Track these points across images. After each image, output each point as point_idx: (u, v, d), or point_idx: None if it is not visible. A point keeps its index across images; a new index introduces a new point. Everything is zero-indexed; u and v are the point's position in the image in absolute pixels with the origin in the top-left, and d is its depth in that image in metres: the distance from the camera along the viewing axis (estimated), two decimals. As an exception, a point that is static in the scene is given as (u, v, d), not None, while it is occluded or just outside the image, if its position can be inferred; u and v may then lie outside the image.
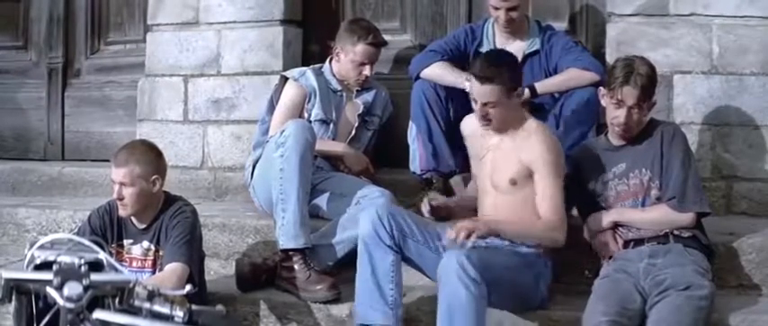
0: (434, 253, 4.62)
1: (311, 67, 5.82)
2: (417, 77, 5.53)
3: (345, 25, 5.84)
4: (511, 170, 4.71)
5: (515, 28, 5.54)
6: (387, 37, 5.96)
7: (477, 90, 4.68)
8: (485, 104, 4.67)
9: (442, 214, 4.93)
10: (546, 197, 4.64)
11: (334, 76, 5.75)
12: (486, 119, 4.72)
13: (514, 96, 4.73)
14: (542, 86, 5.40)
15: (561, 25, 6.03)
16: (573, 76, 5.36)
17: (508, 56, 4.92)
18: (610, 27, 5.76)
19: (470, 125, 4.99)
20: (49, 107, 7.56)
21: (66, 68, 7.55)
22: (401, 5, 6.45)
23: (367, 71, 5.71)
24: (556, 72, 5.47)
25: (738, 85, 5.58)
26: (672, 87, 5.61)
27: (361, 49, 5.68)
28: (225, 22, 6.43)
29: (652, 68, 4.74)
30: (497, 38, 5.60)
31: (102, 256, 2.88)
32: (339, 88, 5.74)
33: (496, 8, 5.48)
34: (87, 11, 7.44)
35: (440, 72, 5.48)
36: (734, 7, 5.58)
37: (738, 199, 5.59)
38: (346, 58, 5.71)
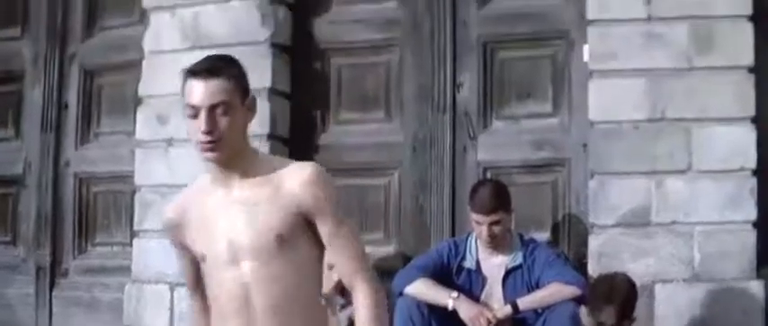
0: None
1: (296, 280, 5.84)
2: (401, 294, 5.55)
3: None
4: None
5: (498, 242, 5.58)
6: (370, 248, 5.95)
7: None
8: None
9: None
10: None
11: (318, 289, 5.77)
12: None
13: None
14: (524, 302, 5.43)
15: (544, 235, 6.09)
16: (555, 290, 5.38)
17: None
18: (592, 239, 5.81)
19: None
20: (38, 305, 7.51)
21: (54, 267, 7.52)
22: (385, 218, 6.52)
23: (335, 276, 5.71)
24: (538, 286, 5.48)
25: (720, 291, 5.61)
26: (653, 297, 5.63)
27: None
28: (210, 232, 6.44)
29: (632, 286, 4.81)
30: (480, 252, 5.64)
31: None
32: (321, 301, 5.74)
33: (479, 223, 5.55)
34: (74, 211, 7.46)
35: (423, 289, 5.50)
36: (716, 213, 5.66)
37: None
38: None
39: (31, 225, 7.62)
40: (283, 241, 3.40)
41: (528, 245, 5.65)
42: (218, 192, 3.45)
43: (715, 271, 5.64)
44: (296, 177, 3.42)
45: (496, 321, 5.41)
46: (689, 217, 5.69)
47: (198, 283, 3.57)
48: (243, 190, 3.42)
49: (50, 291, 7.51)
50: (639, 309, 4.97)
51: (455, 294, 5.47)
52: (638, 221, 5.73)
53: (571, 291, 5.35)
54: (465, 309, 5.42)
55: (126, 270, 6.88)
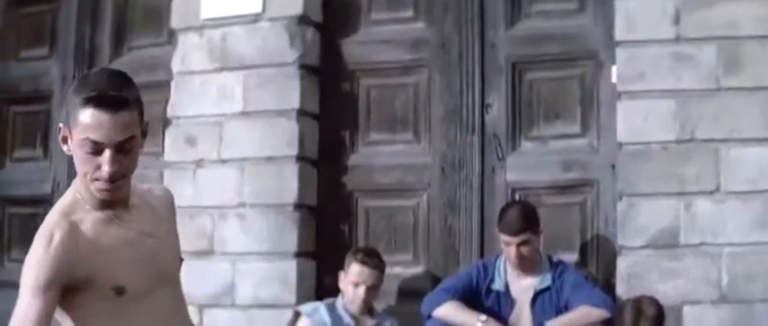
0: None
1: (324, 301, 5.86)
2: (429, 316, 5.56)
3: (349, 252, 5.96)
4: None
5: (527, 264, 5.58)
6: (398, 269, 6.04)
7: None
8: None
9: None
10: None
11: (345, 311, 5.78)
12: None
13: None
14: (553, 324, 5.43)
15: (572, 256, 6.08)
16: (584, 313, 5.37)
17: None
18: (620, 260, 5.78)
19: None
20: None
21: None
22: (414, 239, 6.50)
23: (361, 293, 5.73)
24: (566, 308, 5.48)
25: (748, 313, 5.58)
26: (681, 318, 5.60)
27: (354, 268, 5.75)
28: (239, 254, 6.47)
29: (659, 309, 4.79)
30: (509, 274, 5.64)
31: None
32: (351, 323, 5.76)
33: (507, 244, 5.55)
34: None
35: (452, 312, 5.51)
36: (743, 234, 5.62)
37: None
38: (346, 281, 5.78)
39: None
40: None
41: (557, 267, 5.65)
42: (104, 217, 3.16)
43: (743, 292, 5.60)
44: (170, 202, 3.50)
45: (526, 345, 5.42)
46: (717, 238, 5.65)
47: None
48: (133, 215, 3.23)
49: (79, 311, 7.51)
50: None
51: (483, 317, 5.46)
52: (666, 242, 5.69)
53: (599, 313, 5.34)
54: (494, 332, 5.44)
55: (155, 289, 6.85)
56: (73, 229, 3.06)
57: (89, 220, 3.11)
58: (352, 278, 5.73)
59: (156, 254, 3.24)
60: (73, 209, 3.13)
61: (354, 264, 5.75)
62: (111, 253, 3.11)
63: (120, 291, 3.09)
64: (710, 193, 5.68)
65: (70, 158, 7.19)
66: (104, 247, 3.10)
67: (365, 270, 5.75)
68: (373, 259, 5.80)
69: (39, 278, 2.98)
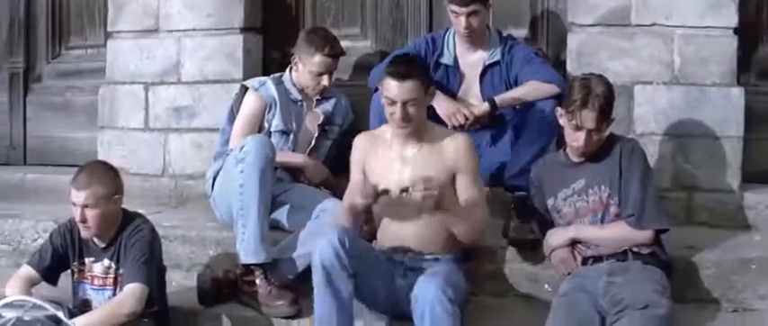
0: (384, 285, 4.71)
1: (271, 76, 5.80)
2: (376, 89, 5.48)
3: (304, 35, 5.80)
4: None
5: (476, 37, 5.49)
6: (347, 43, 5.95)
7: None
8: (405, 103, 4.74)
9: None
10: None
11: (294, 85, 5.72)
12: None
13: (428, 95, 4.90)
14: (502, 99, 5.36)
15: (522, 32, 6.03)
16: (533, 88, 5.31)
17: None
18: (571, 37, 5.75)
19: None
20: (12, 112, 7.52)
21: (27, 73, 7.50)
22: (361, 12, 6.43)
23: (325, 81, 5.68)
24: (516, 83, 5.42)
25: (700, 95, 5.61)
26: (633, 98, 5.63)
27: (318, 60, 5.64)
28: (184, 30, 6.38)
29: (609, 87, 4.71)
30: (458, 48, 5.56)
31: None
32: (299, 98, 5.71)
33: (457, 14, 5.43)
34: (48, 15, 7.40)
35: None
36: (696, 17, 5.61)
37: (698, 210, 5.61)
38: (304, 69, 5.68)
39: (4, 32, 7.57)
40: None
41: (506, 42, 5.56)
42: None
43: (696, 75, 5.63)
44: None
45: (474, 118, 5.35)
46: (669, 20, 5.64)
47: None
48: None
49: (24, 97, 7.48)
50: (618, 109, 4.91)
51: (431, 89, 5.40)
52: (617, 21, 5.66)
53: (549, 89, 5.27)
54: (442, 105, 5.35)
55: (100, 73, 6.81)
56: None
57: None
58: (316, 69, 5.62)
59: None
60: None
61: (319, 56, 5.59)
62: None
63: None
64: (662, -27, 5.63)
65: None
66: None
67: (330, 61, 5.66)
68: (337, 48, 5.70)
69: None
